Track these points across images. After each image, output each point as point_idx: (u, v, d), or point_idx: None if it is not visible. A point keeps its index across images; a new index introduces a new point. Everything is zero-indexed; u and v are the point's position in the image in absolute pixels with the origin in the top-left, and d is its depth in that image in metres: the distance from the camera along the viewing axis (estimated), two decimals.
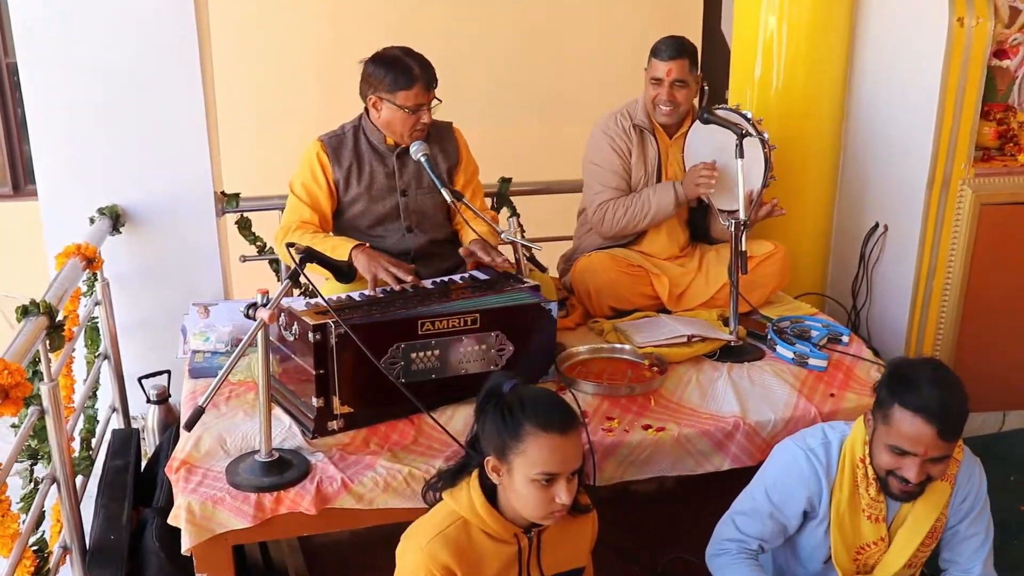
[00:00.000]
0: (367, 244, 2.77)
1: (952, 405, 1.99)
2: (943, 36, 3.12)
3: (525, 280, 2.68)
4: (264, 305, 2.13)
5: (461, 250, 2.84)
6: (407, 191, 2.93)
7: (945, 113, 3.21)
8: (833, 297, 3.75)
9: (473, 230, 2.84)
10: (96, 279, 3.07)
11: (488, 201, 3.72)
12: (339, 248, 2.71)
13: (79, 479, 2.71)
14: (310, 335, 2.25)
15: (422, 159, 2.79)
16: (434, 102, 2.83)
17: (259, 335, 2.15)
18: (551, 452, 1.84)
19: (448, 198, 2.74)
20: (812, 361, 2.84)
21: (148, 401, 3.10)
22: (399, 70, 2.76)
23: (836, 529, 2.18)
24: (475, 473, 1.96)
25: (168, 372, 3.17)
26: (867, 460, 2.13)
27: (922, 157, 3.29)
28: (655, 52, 3.13)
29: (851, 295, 3.68)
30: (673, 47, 3.09)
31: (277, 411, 2.47)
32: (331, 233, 2.93)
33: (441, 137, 2.96)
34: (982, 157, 3.39)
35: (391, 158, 2.90)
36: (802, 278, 3.67)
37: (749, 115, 2.99)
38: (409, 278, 2.62)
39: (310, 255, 2.22)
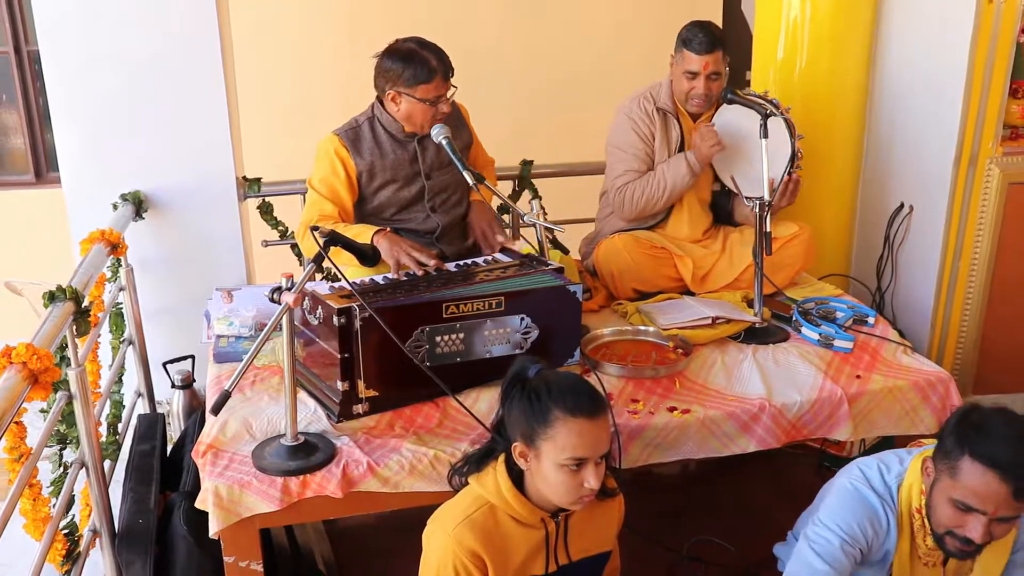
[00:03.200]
0: (388, 229, 2.77)
1: None
2: (971, 13, 3.07)
3: (549, 262, 2.67)
4: (289, 289, 2.13)
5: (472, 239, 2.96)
6: (431, 174, 2.94)
7: (972, 91, 3.16)
8: (858, 278, 3.72)
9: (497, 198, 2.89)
10: (120, 265, 3.08)
11: (509, 184, 3.74)
12: (360, 235, 2.71)
13: (107, 463, 2.73)
14: (335, 319, 2.25)
15: (443, 142, 2.79)
16: (450, 91, 2.83)
17: (284, 319, 2.15)
18: (580, 437, 1.83)
19: (470, 181, 2.73)
20: (838, 343, 2.82)
21: (173, 386, 3.12)
22: (417, 64, 2.75)
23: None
24: (501, 458, 1.96)
25: (192, 357, 3.19)
26: (924, 511, 2.00)
27: (948, 136, 3.25)
28: (687, 43, 3.05)
29: (876, 276, 3.65)
30: (708, 40, 3.02)
31: (302, 395, 2.47)
32: (352, 223, 2.93)
33: (451, 116, 2.94)
34: (1010, 135, 3.34)
35: (412, 144, 2.91)
36: (826, 259, 3.64)
37: (777, 102, 2.97)
38: (432, 262, 2.61)
39: (334, 239, 2.22)
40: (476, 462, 2.01)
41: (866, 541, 2.04)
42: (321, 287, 2.46)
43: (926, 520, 2.00)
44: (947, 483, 1.89)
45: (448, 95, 2.82)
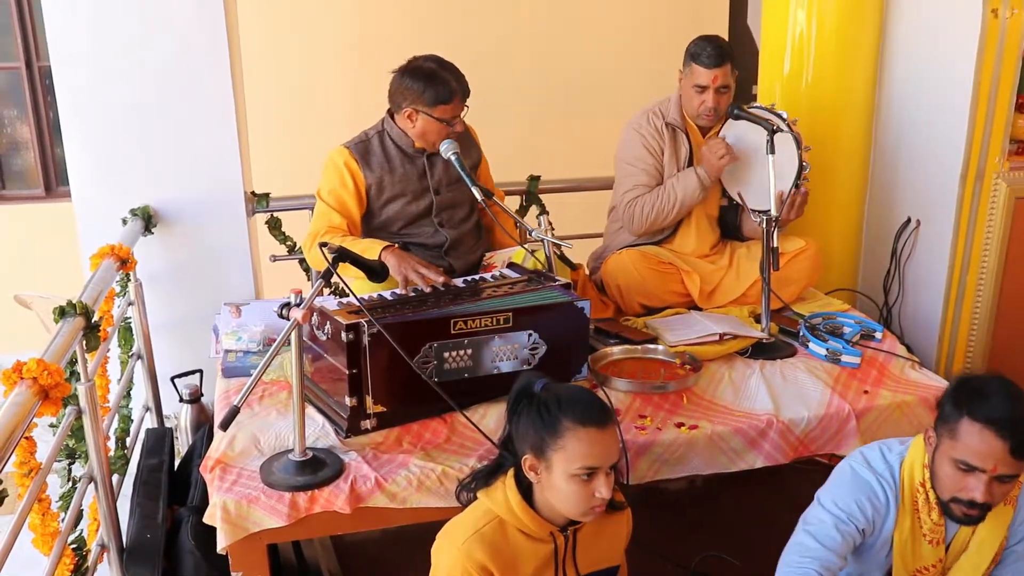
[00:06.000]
0: (396, 245, 2.78)
1: None
2: (977, 28, 3.08)
3: (557, 278, 2.67)
4: (297, 305, 2.14)
5: None
6: (439, 190, 2.97)
7: (979, 106, 3.17)
8: (865, 293, 3.72)
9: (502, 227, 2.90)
10: (129, 280, 3.09)
11: (517, 199, 3.75)
12: (368, 250, 2.72)
13: (115, 478, 2.73)
14: (343, 334, 2.25)
15: (452, 158, 2.81)
16: (464, 111, 2.88)
17: (292, 334, 2.15)
18: (591, 446, 1.84)
19: (479, 196, 2.74)
20: (845, 358, 2.82)
21: (181, 400, 3.13)
22: (439, 85, 2.80)
23: (899, 556, 2.09)
24: (510, 472, 1.96)
25: (200, 371, 3.20)
26: (927, 484, 2.04)
27: (955, 151, 3.25)
28: (695, 57, 3.07)
29: (883, 291, 3.64)
30: (717, 53, 3.03)
31: (310, 410, 2.47)
32: (360, 237, 2.94)
33: (462, 136, 2.97)
34: (1016, 150, 3.34)
35: (421, 160, 2.94)
36: (833, 274, 3.64)
37: (784, 115, 2.98)
38: (440, 279, 2.62)
39: (342, 255, 2.23)
40: (485, 477, 2.01)
41: (864, 518, 2.07)
42: (329, 302, 2.47)
43: (930, 492, 2.04)
44: (947, 445, 1.95)
45: (462, 115, 2.88)
